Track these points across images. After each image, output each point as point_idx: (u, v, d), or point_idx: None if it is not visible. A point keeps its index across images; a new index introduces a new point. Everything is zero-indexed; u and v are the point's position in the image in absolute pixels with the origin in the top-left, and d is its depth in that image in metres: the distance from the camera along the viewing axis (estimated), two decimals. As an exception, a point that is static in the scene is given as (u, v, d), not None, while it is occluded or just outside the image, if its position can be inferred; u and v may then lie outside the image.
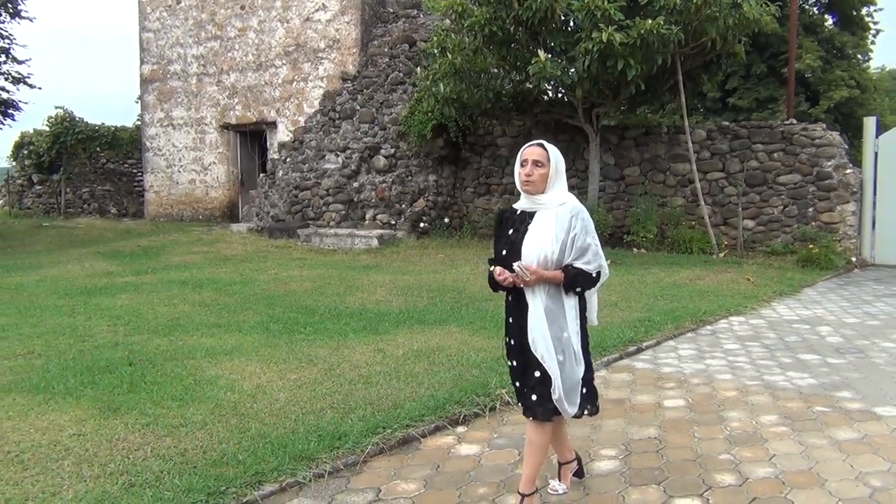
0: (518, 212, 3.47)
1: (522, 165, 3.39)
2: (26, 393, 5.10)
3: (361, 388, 5.18)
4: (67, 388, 5.18)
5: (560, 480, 3.71)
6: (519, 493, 3.41)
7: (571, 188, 12.85)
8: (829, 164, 12.66)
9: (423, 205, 14.79)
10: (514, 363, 3.45)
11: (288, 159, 15.88)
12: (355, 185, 15.10)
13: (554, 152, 3.41)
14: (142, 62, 20.31)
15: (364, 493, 3.72)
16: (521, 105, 13.99)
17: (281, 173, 15.92)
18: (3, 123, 17.92)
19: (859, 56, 25.69)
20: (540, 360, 3.27)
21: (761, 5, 11.42)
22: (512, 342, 3.45)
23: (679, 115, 18.22)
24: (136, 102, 21.29)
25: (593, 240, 3.35)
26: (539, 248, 3.29)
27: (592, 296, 3.53)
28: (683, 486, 3.74)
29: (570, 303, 3.33)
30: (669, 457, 4.13)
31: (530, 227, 3.36)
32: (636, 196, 13.66)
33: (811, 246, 11.73)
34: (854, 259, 12.20)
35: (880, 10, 25.09)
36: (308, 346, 6.48)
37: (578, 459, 3.79)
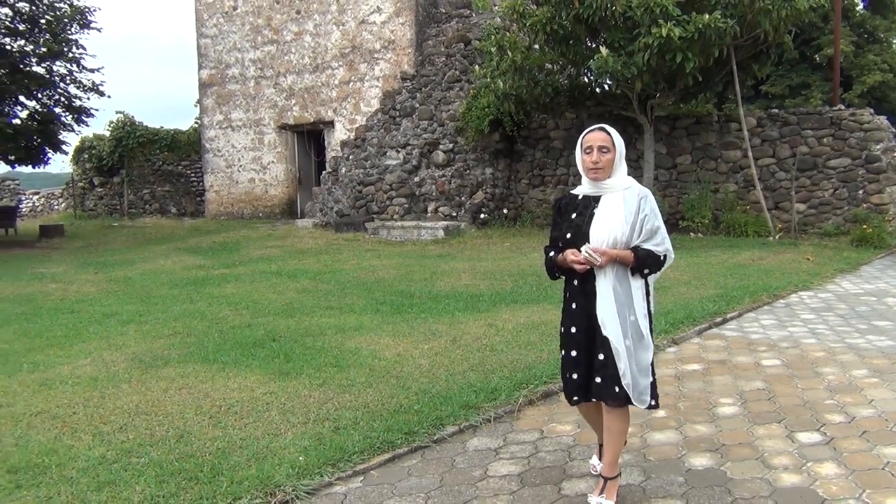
0: (580, 196, 3.46)
1: (587, 153, 3.36)
2: (200, 363, 5.86)
3: (491, 355, 5.87)
4: (233, 359, 5.93)
5: (601, 459, 3.60)
6: (602, 476, 3.45)
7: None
8: (878, 147, 13.15)
9: (481, 197, 15.47)
10: (575, 353, 3.40)
11: (351, 157, 16.64)
12: (416, 179, 15.83)
13: (617, 136, 3.39)
14: (200, 67, 21.18)
15: (530, 432, 4.41)
16: (576, 99, 14.61)
17: (344, 170, 16.69)
18: (74, 130, 18.83)
19: (892, 40, 25.91)
20: (611, 342, 3.25)
21: (811, -4, 11.92)
22: (574, 330, 3.41)
23: (713, 104, 18.80)
24: (195, 106, 22.17)
25: (661, 223, 3.36)
26: (609, 230, 3.29)
27: (652, 283, 3.46)
28: (800, 424, 4.38)
29: (637, 284, 3.33)
30: (781, 403, 4.77)
31: (597, 210, 3.35)
32: (689, 183, 14.24)
33: (864, 226, 12.25)
34: (905, 238, 12.70)
35: (912, -8, 25.24)
36: (423, 322, 7.19)
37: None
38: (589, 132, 3.40)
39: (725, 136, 14.34)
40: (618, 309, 3.26)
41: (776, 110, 14.65)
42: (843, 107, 14.08)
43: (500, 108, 14.60)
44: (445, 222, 14.80)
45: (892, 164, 13.03)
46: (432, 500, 3.55)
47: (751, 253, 11.19)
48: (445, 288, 9.26)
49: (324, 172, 17.76)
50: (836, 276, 9.67)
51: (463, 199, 15.43)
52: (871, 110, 13.71)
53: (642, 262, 3.28)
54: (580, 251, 3.26)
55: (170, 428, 4.40)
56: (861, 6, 26.37)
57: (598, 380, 3.30)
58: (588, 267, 3.28)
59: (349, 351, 6.12)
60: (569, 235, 3.38)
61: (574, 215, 3.42)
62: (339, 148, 17.84)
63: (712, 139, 14.47)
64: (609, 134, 3.36)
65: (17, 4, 17.34)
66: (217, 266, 12.16)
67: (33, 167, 18.50)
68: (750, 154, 13.24)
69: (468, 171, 15.57)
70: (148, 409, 4.71)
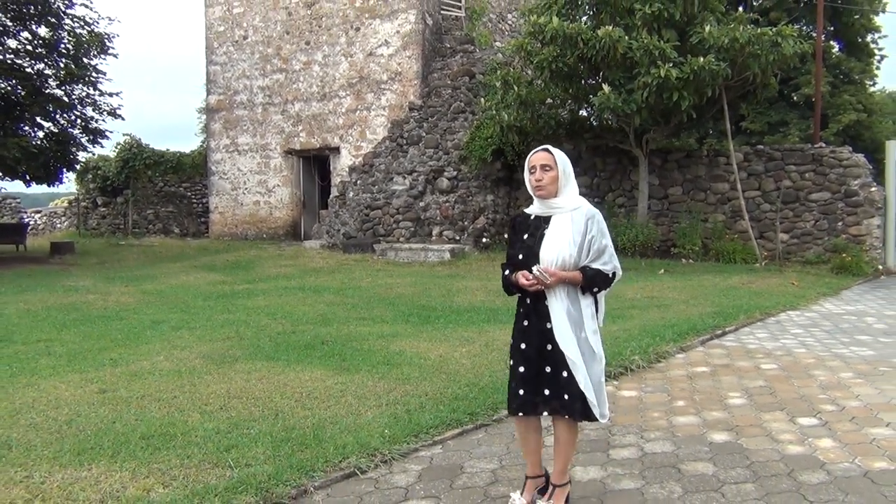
0: (532, 217, 3.55)
1: (531, 172, 3.48)
2: (265, 360, 6.57)
3: (523, 357, 6.63)
4: (294, 358, 6.65)
5: (522, 494, 3.64)
6: (552, 483, 3.59)
7: (619, 207, 14.56)
8: (856, 182, 14.18)
9: (483, 222, 16.33)
10: (524, 369, 3.47)
11: (358, 181, 17.45)
12: (422, 204, 16.66)
13: (559, 155, 3.48)
14: (208, 92, 21.96)
15: (572, 416, 5.17)
16: (575, 132, 15.56)
17: (352, 194, 17.49)
18: (88, 150, 19.48)
19: (866, 81, 27.24)
20: (568, 360, 3.36)
21: (797, 43, 12.96)
22: (524, 346, 3.48)
23: (696, 139, 19.87)
24: (202, 132, 22.90)
25: (609, 242, 3.45)
26: (557, 251, 3.38)
27: (602, 300, 3.58)
28: (800, 412, 5.18)
29: (587, 303, 3.43)
30: (781, 396, 5.58)
31: (547, 231, 3.44)
32: (680, 213, 15.18)
33: (843, 255, 13.22)
34: (881, 267, 13.69)
35: (885, 37, 26.69)
36: (453, 331, 7.95)
37: (546, 477, 3.68)
38: (533, 153, 3.53)
39: (714, 170, 15.32)
40: (572, 328, 3.38)
41: (762, 146, 15.69)
42: (823, 144, 15.13)
43: (503, 139, 15.52)
44: (451, 245, 15.61)
45: (868, 198, 14.05)
46: (505, 462, 4.30)
47: (740, 277, 12.09)
48: (464, 303, 10.03)
49: (331, 196, 18.53)
50: (820, 298, 10.57)
51: (466, 223, 16.27)
52: (850, 148, 14.77)
53: (591, 282, 3.39)
54: (531, 271, 3.36)
55: (264, 408, 5.11)
56: (837, 48, 27.80)
57: (566, 396, 3.39)
58: (540, 287, 3.38)
59: (395, 353, 6.86)
60: (521, 256, 3.48)
61: (526, 236, 3.52)
62: (345, 173, 18.64)
63: (702, 172, 15.45)
64: (551, 153, 3.49)
65: (37, 29, 18.05)
66: (239, 282, 12.84)
67: (49, 185, 19.11)
68: (739, 186, 14.21)
69: (471, 198, 16.43)
70: (239, 395, 5.42)
